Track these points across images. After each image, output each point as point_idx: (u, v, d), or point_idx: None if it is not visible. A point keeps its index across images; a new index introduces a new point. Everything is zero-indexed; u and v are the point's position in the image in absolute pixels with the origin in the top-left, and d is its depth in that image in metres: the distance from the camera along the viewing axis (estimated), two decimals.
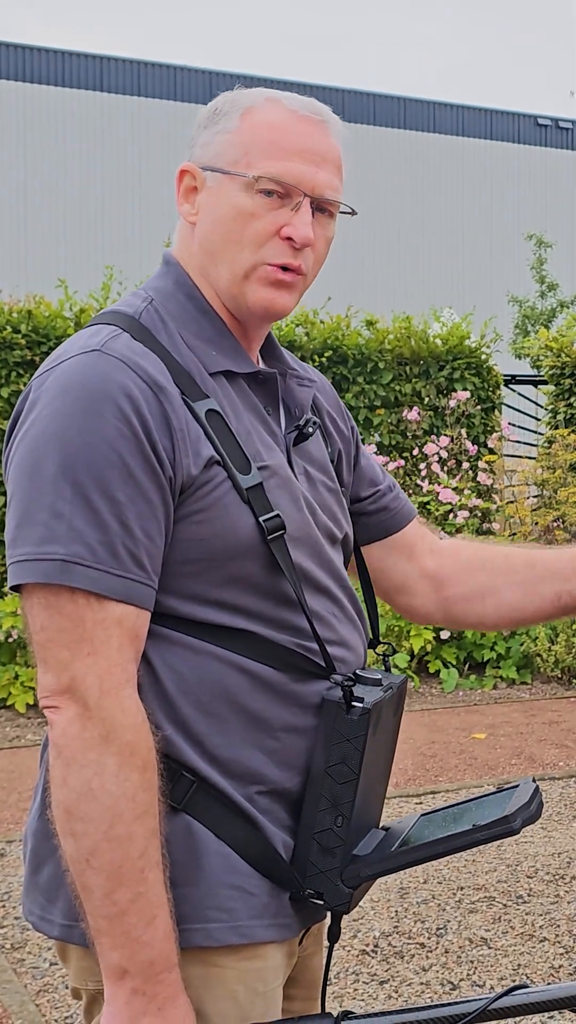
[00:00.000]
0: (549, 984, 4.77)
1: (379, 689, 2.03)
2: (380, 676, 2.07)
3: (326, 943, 2.18)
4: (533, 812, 1.94)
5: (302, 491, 2.09)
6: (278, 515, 1.97)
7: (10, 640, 9.81)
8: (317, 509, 2.13)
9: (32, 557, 1.84)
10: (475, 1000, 1.98)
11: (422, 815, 2.13)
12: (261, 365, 2.20)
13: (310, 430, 2.16)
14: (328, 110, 2.10)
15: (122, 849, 1.81)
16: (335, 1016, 1.96)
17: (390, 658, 2.28)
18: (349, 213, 2.13)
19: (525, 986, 2.01)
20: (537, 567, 2.37)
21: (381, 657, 2.27)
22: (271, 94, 2.08)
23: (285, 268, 2.05)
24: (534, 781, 2.05)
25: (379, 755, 2.09)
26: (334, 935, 2.10)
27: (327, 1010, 2.06)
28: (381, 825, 2.16)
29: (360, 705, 1.97)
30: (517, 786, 2.04)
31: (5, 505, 9.48)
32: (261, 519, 1.95)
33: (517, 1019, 4.51)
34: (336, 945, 5.05)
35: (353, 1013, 1.97)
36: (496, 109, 39.44)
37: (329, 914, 2.09)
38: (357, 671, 2.07)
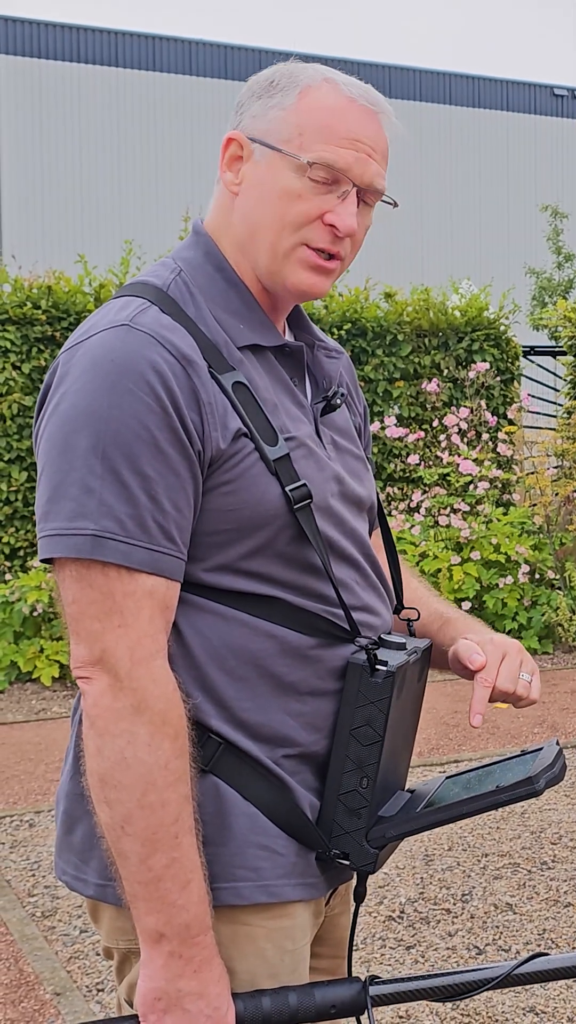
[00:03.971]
0: (575, 950, 4.82)
1: (403, 653, 2.06)
2: (404, 640, 2.10)
3: (353, 903, 2.22)
4: (556, 773, 1.97)
5: (329, 461, 2.12)
6: (304, 484, 1.99)
7: (35, 614, 9.86)
8: (345, 478, 2.15)
9: (63, 532, 1.87)
10: (497, 966, 2.02)
11: (447, 777, 2.16)
12: (288, 336, 2.22)
13: (337, 401, 2.18)
14: (383, 100, 2.09)
15: (156, 816, 1.84)
16: (363, 980, 2.00)
17: (413, 623, 2.30)
18: (391, 205, 2.14)
19: (547, 954, 2.05)
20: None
21: (407, 623, 2.29)
22: (329, 74, 2.06)
23: (324, 253, 2.06)
24: (558, 744, 2.07)
25: (404, 718, 2.12)
26: (360, 895, 2.13)
27: (354, 973, 2.10)
28: (407, 787, 2.20)
29: (384, 668, 2.00)
30: (541, 748, 2.07)
31: (15, 482, 9.50)
32: (287, 489, 1.97)
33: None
34: (363, 911, 5.14)
35: (380, 977, 2.01)
36: (512, 80, 39.16)
37: (355, 874, 2.12)
38: (382, 635, 2.10)
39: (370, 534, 2.26)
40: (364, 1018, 1.99)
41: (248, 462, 1.96)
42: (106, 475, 1.85)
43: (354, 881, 2.17)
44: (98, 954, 4.87)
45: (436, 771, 7.40)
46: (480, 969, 2.03)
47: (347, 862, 2.04)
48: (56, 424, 1.91)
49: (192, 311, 2.01)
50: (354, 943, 4.81)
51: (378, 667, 2.00)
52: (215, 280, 2.08)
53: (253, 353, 2.06)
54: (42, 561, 1.94)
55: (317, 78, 2.05)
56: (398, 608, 2.31)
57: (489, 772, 2.09)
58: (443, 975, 2.03)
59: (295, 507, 1.97)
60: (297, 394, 2.12)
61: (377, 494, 2.30)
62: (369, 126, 2.05)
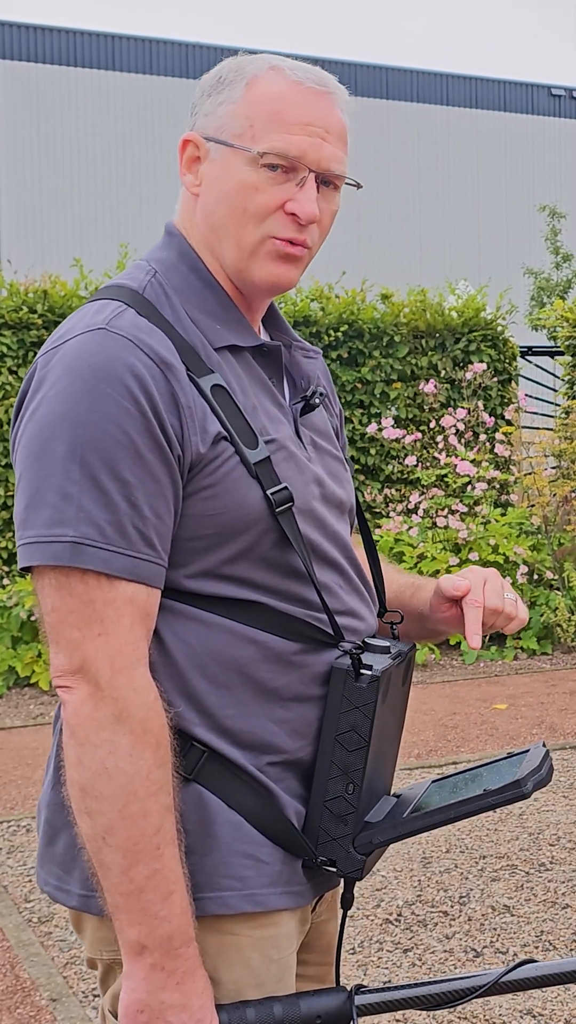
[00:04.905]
0: (572, 951, 4.81)
1: (388, 656, 2.05)
2: (388, 644, 2.08)
3: (340, 910, 2.20)
4: (544, 775, 1.96)
5: (309, 463, 2.10)
6: (286, 487, 1.97)
7: (32, 619, 9.85)
8: (325, 479, 2.13)
9: (42, 539, 1.85)
10: (485, 974, 2.01)
11: (433, 781, 2.14)
12: (264, 336, 2.20)
13: (316, 401, 2.16)
14: (333, 80, 2.06)
15: (138, 827, 1.83)
16: (348, 990, 1.99)
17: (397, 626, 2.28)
18: (354, 186, 2.11)
19: (536, 960, 2.04)
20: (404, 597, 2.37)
21: (390, 626, 2.28)
22: (275, 62, 2.05)
23: (291, 242, 2.04)
24: (544, 745, 2.07)
25: (389, 722, 2.11)
26: (347, 902, 2.12)
27: (349, 979, 2.09)
28: (393, 792, 2.19)
29: (369, 672, 1.98)
30: (528, 751, 2.06)
31: (13, 487, 9.52)
32: (269, 492, 1.95)
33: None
34: (360, 914, 5.14)
35: (366, 987, 2.00)
36: (509, 80, 39.17)
37: (343, 881, 2.11)
38: (365, 639, 2.08)
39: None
40: None
41: (228, 466, 1.94)
42: (84, 481, 1.83)
43: (341, 887, 2.16)
44: None
45: (434, 773, 7.38)
46: (468, 977, 2.01)
47: (334, 869, 2.02)
48: (33, 430, 1.89)
49: (168, 313, 1.99)
50: (351, 947, 4.81)
51: (363, 672, 1.99)
52: (190, 280, 2.06)
53: (231, 354, 2.04)
54: (21, 570, 1.91)
55: (263, 67, 2.03)
56: (381, 611, 2.29)
57: (476, 775, 2.08)
58: (430, 983, 2.02)
59: (277, 511, 1.96)
60: (276, 395, 2.10)
61: (356, 495, 2.29)
62: (320, 108, 2.02)
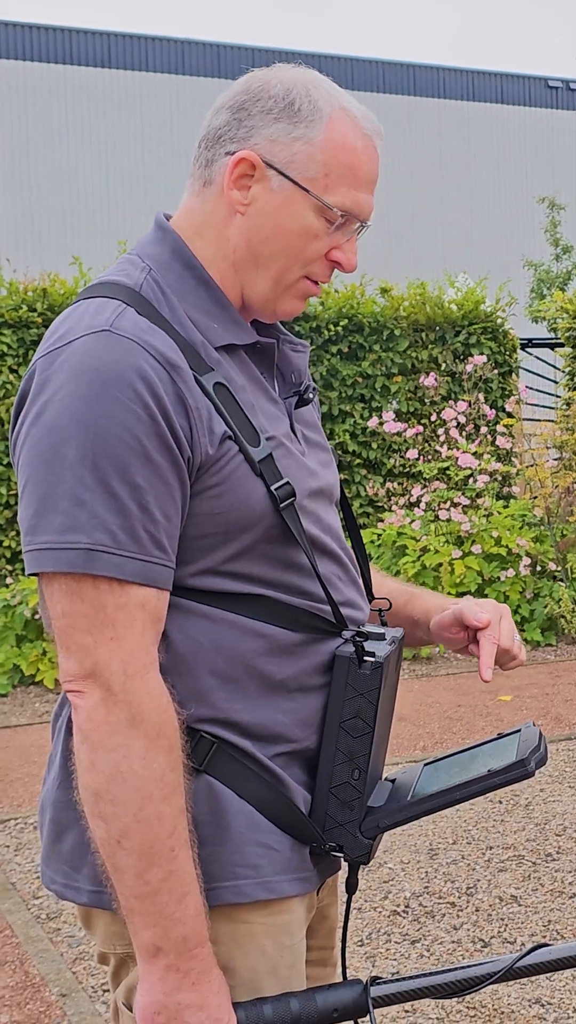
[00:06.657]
0: None
1: (385, 643, 2.07)
2: (384, 631, 2.11)
3: (344, 894, 2.21)
4: (543, 754, 1.98)
5: (304, 458, 2.10)
6: (288, 483, 1.98)
7: (36, 617, 9.86)
8: (319, 473, 2.14)
9: (55, 546, 1.84)
10: (499, 960, 2.01)
11: (426, 764, 2.15)
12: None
13: (310, 396, 2.17)
14: (380, 125, 2.09)
15: (153, 830, 1.83)
16: (364, 982, 1.99)
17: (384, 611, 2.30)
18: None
19: (549, 944, 2.04)
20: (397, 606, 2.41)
21: (378, 612, 2.28)
22: (343, 101, 2.04)
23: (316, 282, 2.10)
24: (534, 724, 2.08)
25: (387, 708, 2.12)
26: (352, 886, 2.13)
27: (357, 970, 2.09)
28: (385, 777, 2.19)
29: (372, 659, 2.00)
30: (519, 731, 2.07)
31: (15, 486, 9.54)
32: (272, 488, 1.95)
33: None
34: (367, 906, 5.16)
35: (381, 978, 2.00)
36: (506, 72, 39.16)
37: (346, 866, 2.12)
38: (362, 628, 2.10)
39: None
40: (366, 1020, 1.98)
41: (233, 464, 1.94)
42: (96, 486, 1.82)
43: (342, 872, 2.17)
44: None
45: None
46: (482, 963, 2.02)
47: (341, 854, 2.04)
48: (40, 433, 1.87)
49: (167, 312, 1.97)
50: (359, 939, 4.82)
51: (366, 659, 2.00)
52: (185, 279, 2.04)
53: (227, 352, 2.03)
54: (29, 575, 1.91)
55: (335, 107, 2.02)
56: (369, 599, 2.30)
57: (473, 756, 2.09)
58: (444, 972, 2.02)
59: (281, 506, 1.96)
60: (270, 391, 2.11)
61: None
62: (375, 163, 2.07)
